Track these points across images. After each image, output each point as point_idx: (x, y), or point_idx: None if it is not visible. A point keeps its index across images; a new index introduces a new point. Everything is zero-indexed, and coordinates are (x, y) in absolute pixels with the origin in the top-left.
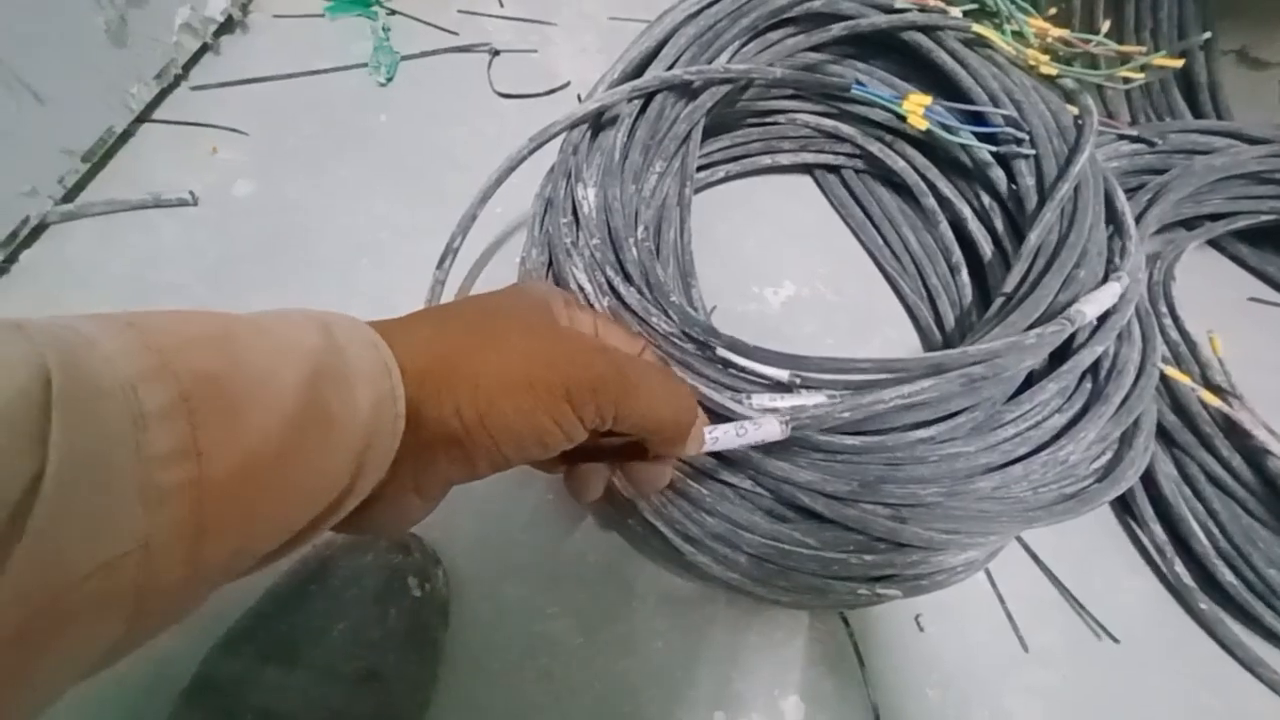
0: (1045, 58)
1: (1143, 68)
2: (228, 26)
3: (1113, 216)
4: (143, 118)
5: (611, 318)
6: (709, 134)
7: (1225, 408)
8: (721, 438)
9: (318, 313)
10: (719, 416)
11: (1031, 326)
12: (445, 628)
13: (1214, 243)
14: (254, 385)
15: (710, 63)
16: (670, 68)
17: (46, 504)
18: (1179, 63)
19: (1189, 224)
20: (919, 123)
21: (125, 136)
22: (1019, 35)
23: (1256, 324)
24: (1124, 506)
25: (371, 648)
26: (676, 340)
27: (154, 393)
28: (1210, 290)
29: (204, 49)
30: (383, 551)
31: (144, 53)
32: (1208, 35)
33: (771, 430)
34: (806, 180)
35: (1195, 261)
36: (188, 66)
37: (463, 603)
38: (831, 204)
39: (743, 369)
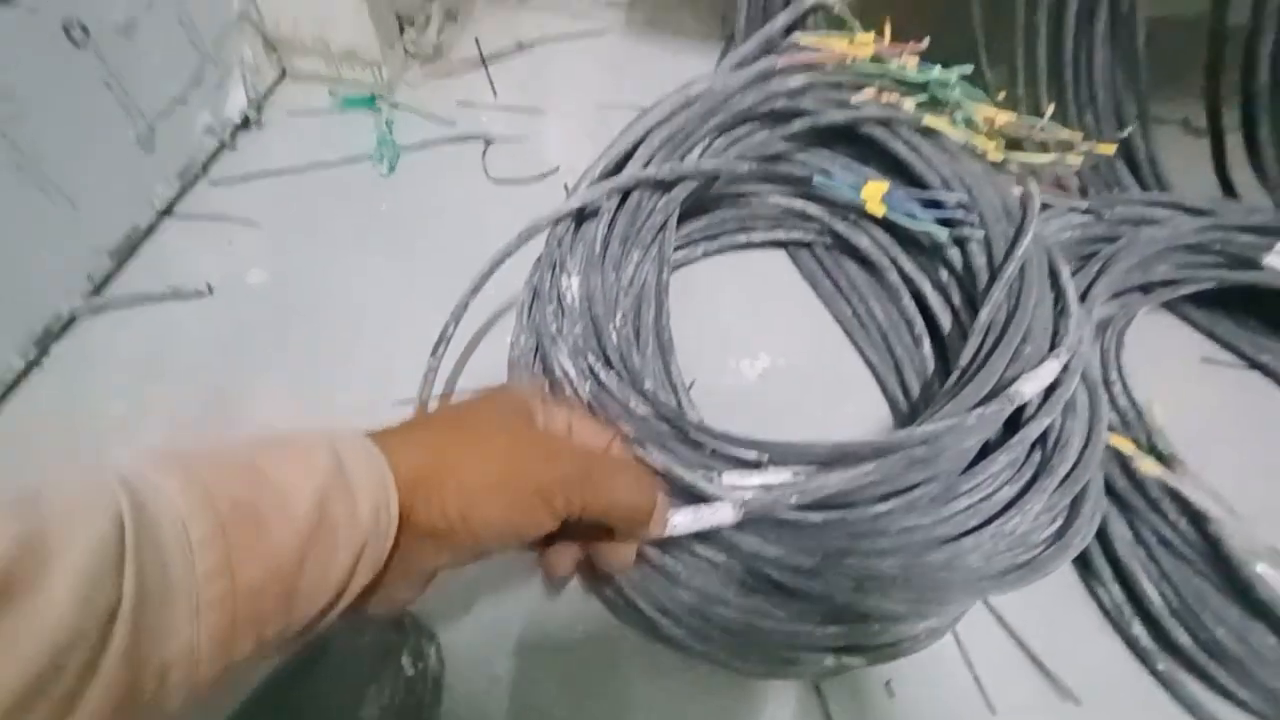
0: (993, 144)
1: (1086, 152)
2: (244, 125)
3: (1057, 293)
4: (165, 212)
5: (585, 412)
6: (687, 215)
7: (1164, 477)
8: (679, 524)
9: (327, 434)
10: (689, 495)
11: (979, 403)
12: (439, 703)
13: (1168, 305)
14: (276, 506)
15: (683, 159)
16: (646, 165)
17: (123, 628)
18: (1112, 148)
19: (1143, 289)
20: (877, 209)
21: (149, 231)
22: (969, 122)
23: (1209, 384)
24: (1085, 567)
25: None
26: (653, 421)
27: (199, 523)
28: (1164, 351)
29: (222, 147)
30: (377, 631)
31: (168, 155)
32: (1130, 130)
33: (725, 516)
34: (780, 255)
35: (1150, 323)
36: (207, 164)
37: (456, 675)
38: (803, 277)
39: (714, 449)
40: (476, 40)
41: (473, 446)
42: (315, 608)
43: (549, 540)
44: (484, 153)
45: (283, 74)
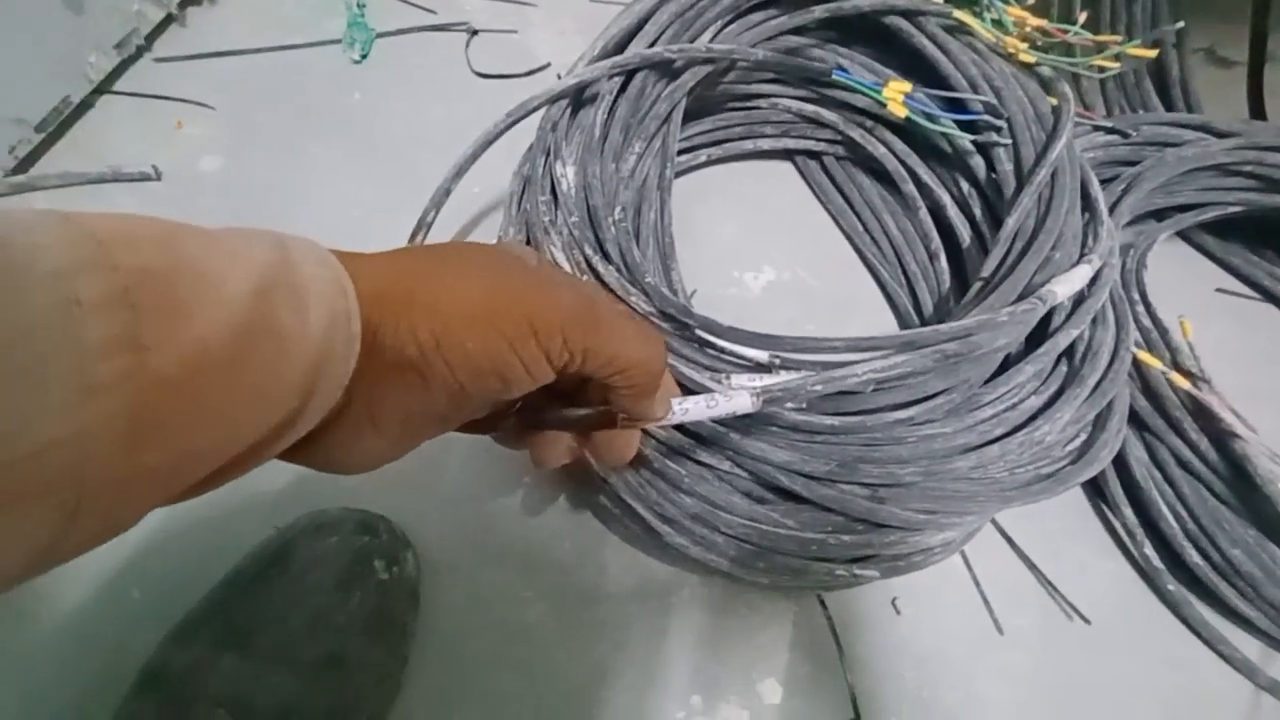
0: (1024, 46)
1: (1117, 57)
2: None
3: (1087, 203)
4: (102, 89)
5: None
6: (691, 117)
7: (1194, 391)
8: (692, 409)
9: (274, 230)
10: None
11: (1009, 306)
12: (415, 613)
13: (1183, 235)
14: (201, 286)
15: (692, 42)
16: (651, 45)
17: None
18: (1153, 53)
19: (1159, 215)
20: (899, 110)
21: (83, 108)
22: (998, 23)
23: (1222, 314)
24: (1096, 490)
25: (334, 633)
26: (655, 320)
27: (93, 281)
28: (1179, 281)
29: (169, 20)
30: (347, 534)
31: (103, 21)
32: (1180, 25)
33: (742, 403)
34: (788, 166)
35: (1165, 253)
36: (151, 38)
37: (435, 588)
38: (812, 190)
39: (721, 349)
40: None
41: (452, 269)
42: (254, 431)
43: (533, 429)
44: (468, 44)
45: None
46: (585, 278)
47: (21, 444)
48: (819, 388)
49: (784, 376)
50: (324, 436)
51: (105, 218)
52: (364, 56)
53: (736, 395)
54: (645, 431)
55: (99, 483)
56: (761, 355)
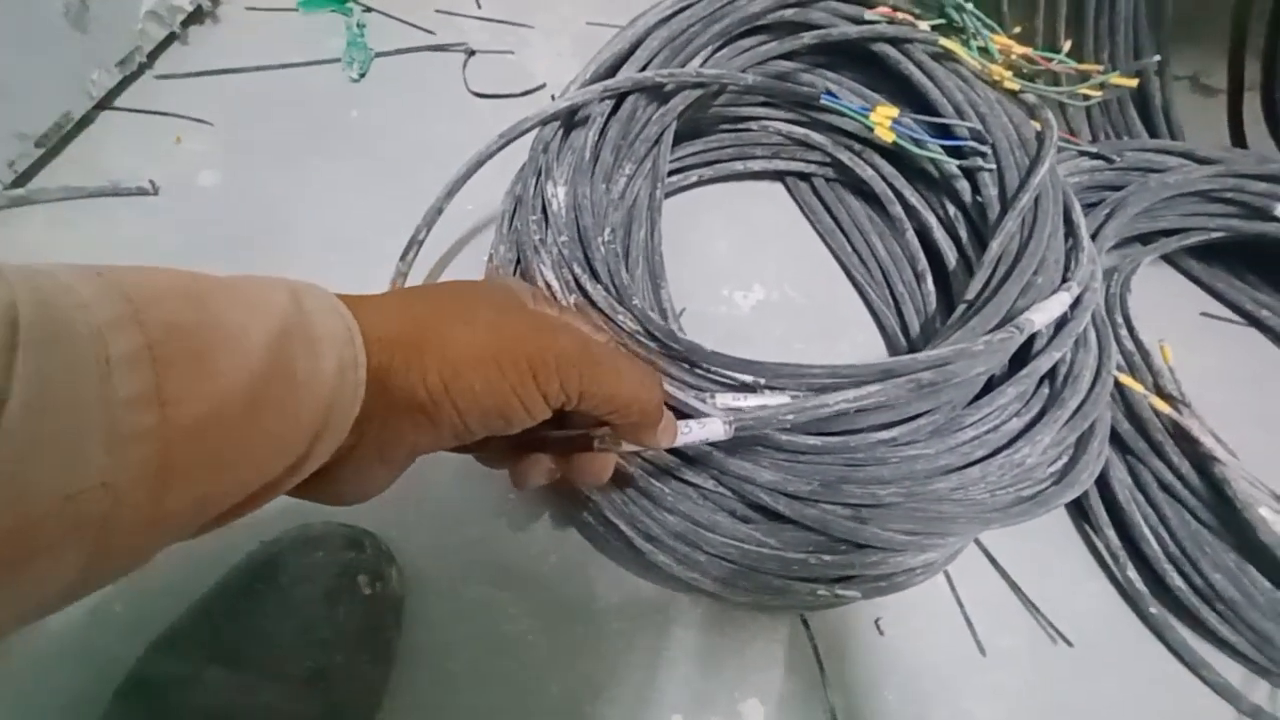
0: (1009, 73)
1: (1101, 86)
2: (196, 17)
3: (1069, 227)
4: (103, 105)
5: (577, 312)
6: (682, 138)
7: (1174, 415)
8: None
9: (288, 279)
10: (681, 414)
11: (987, 334)
12: (399, 628)
13: (1168, 259)
14: (222, 338)
15: (683, 66)
16: (643, 69)
17: (10, 435)
18: (1133, 82)
19: (1144, 240)
20: (886, 135)
21: (84, 123)
22: (984, 51)
23: (1207, 338)
24: (1080, 511)
25: (319, 647)
26: (641, 338)
27: (122, 339)
28: (1164, 305)
29: (171, 38)
30: (334, 548)
31: (106, 39)
32: (1158, 58)
33: (715, 430)
34: (778, 187)
35: (1150, 276)
36: (153, 55)
37: (419, 603)
38: (802, 210)
39: (706, 371)
40: None
41: (459, 315)
42: (268, 473)
43: (516, 451)
44: (465, 64)
45: None
46: (574, 297)
47: (60, 493)
48: (791, 417)
49: (769, 397)
50: (333, 472)
51: (135, 271)
52: (362, 75)
53: (709, 422)
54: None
55: (126, 525)
56: (745, 378)
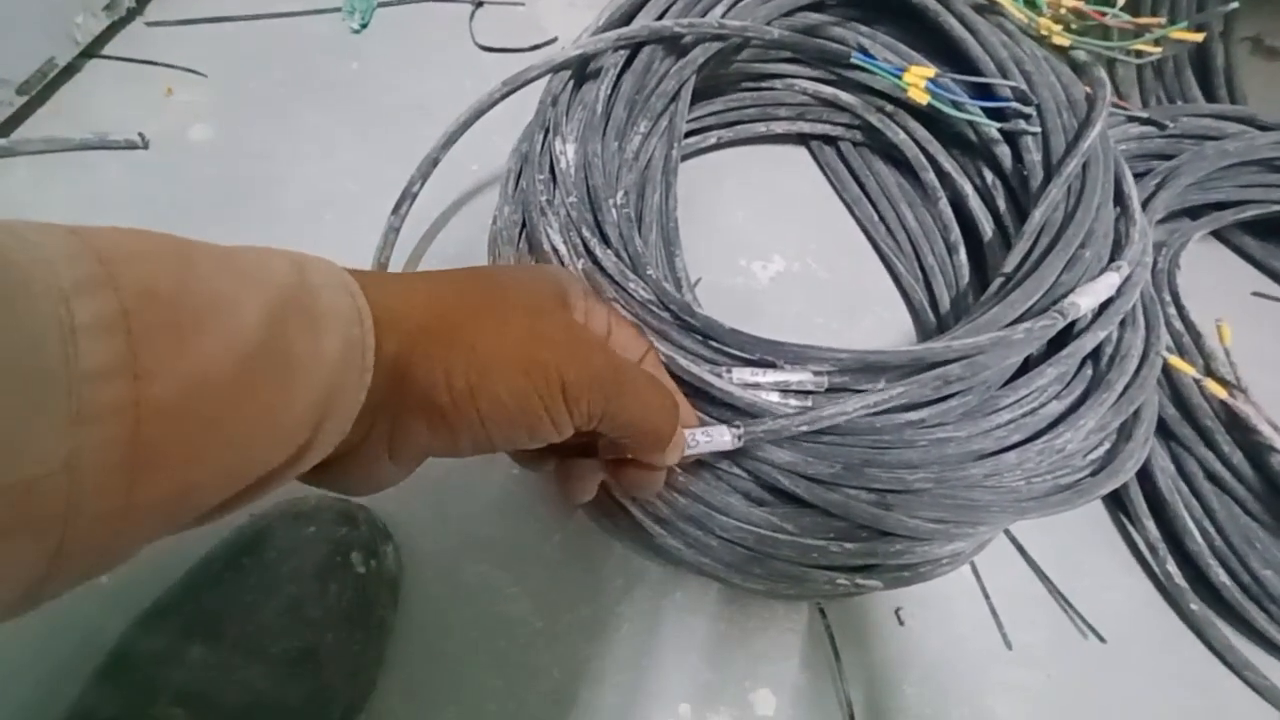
0: (1057, 28)
1: (1158, 42)
2: None
3: (1120, 198)
4: (90, 52)
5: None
6: (700, 96)
7: (1229, 400)
8: None
9: (293, 251)
10: (696, 390)
11: (1028, 311)
12: (394, 607)
13: (1218, 234)
14: (208, 310)
15: (704, 16)
16: (660, 18)
17: None
18: (1199, 36)
19: (1194, 213)
20: (920, 96)
21: (70, 71)
22: (1031, 3)
23: (1259, 319)
24: (1117, 502)
25: (308, 626)
26: (654, 309)
27: (91, 303)
28: (1213, 283)
29: None
30: (326, 524)
31: None
32: (1234, 5)
33: (723, 441)
34: (801, 151)
35: (1199, 253)
36: (143, 1)
37: (416, 581)
38: (827, 177)
39: (722, 348)
40: None
41: (494, 310)
42: (262, 461)
43: (559, 453)
44: (472, 15)
45: None
46: (582, 262)
47: (13, 471)
48: (804, 428)
49: (790, 373)
50: (338, 465)
51: (115, 233)
52: (364, 26)
53: (716, 435)
54: None
55: (93, 515)
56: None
